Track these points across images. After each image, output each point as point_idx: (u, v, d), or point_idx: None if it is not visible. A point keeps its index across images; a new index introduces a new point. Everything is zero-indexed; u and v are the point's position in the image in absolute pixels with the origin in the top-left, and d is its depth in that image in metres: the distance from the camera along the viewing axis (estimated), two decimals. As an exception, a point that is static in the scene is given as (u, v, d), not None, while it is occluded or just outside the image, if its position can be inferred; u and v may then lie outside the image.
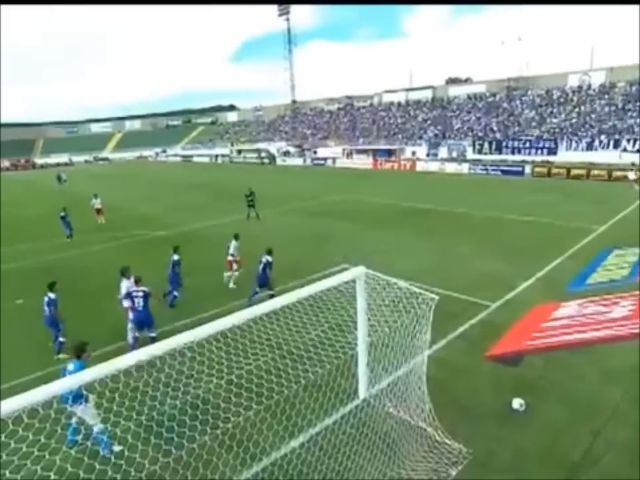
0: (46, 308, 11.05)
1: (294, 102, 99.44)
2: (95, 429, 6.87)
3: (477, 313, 12.17)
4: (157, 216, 29.55)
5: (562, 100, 56.35)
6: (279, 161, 72.21)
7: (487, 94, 65.18)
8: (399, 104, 75.79)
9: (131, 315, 10.89)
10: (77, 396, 6.59)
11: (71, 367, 6.82)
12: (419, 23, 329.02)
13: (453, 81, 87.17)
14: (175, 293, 13.46)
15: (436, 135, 61.43)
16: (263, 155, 75.94)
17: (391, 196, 32.24)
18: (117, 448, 6.89)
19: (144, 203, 35.65)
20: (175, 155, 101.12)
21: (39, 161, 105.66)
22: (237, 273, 15.02)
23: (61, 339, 11.16)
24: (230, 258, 15.15)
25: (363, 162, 59.18)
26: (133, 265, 12.01)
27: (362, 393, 8.38)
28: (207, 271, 16.08)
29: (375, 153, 60.22)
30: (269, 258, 12.93)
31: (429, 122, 66.20)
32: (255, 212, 26.62)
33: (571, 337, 10.62)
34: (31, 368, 9.98)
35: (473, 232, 21.09)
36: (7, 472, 4.86)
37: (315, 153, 70.81)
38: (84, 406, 6.77)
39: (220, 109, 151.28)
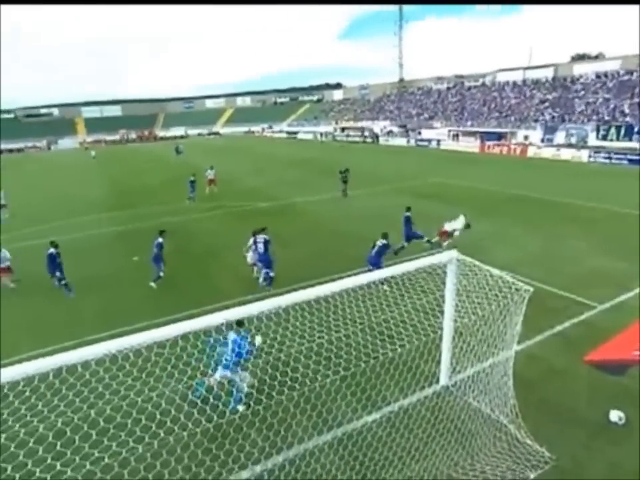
0: (154, 249, 13.92)
1: (401, 80, 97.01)
2: (244, 385, 7.47)
3: (579, 312, 11.19)
4: (260, 188, 31.18)
5: None
6: (381, 141, 71.24)
7: (622, 71, 57.74)
8: (515, 84, 70.33)
9: (254, 259, 13.59)
10: (237, 363, 7.20)
11: (232, 335, 7.32)
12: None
13: (580, 58, 78.71)
14: (405, 244, 15.36)
15: (553, 118, 56.18)
16: (366, 133, 75.45)
17: (495, 182, 30.35)
18: (241, 408, 7.38)
19: (249, 176, 37.61)
20: (280, 131, 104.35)
21: (160, 133, 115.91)
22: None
23: (160, 274, 14.02)
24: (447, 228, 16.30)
25: (470, 145, 56.17)
26: (235, 231, 12.92)
27: (442, 379, 8.22)
28: (304, 242, 16.74)
29: (483, 135, 56.79)
30: (384, 241, 13.12)
31: (546, 104, 60.65)
32: (346, 188, 27.24)
33: (692, 351, 9.33)
34: (141, 316, 11.24)
35: (585, 225, 19.19)
36: (114, 403, 5.57)
37: (420, 133, 68.69)
38: (246, 371, 7.36)
39: (327, 87, 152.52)
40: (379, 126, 79.32)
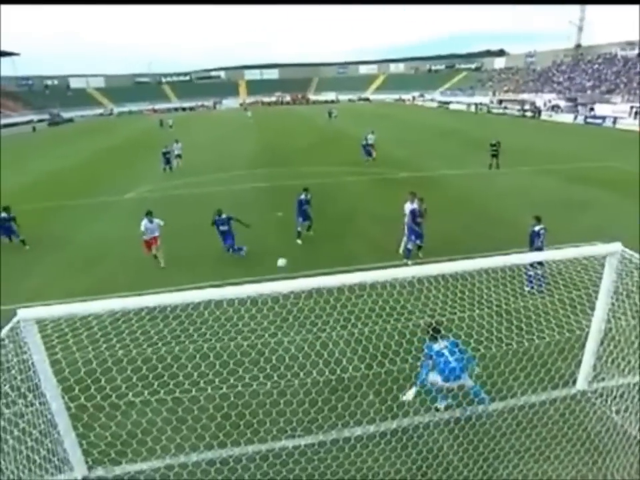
0: (296, 203, 14.92)
1: (578, 46, 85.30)
2: (476, 389, 6.90)
3: None
4: (407, 158, 31.08)
5: None
6: (544, 116, 64.21)
7: None
8: None
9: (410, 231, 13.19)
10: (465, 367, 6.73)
11: (443, 343, 6.70)
12: None
13: None
14: None
15: None
16: (527, 107, 68.75)
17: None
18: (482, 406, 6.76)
19: (397, 144, 37.34)
20: (432, 100, 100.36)
21: (312, 97, 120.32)
22: None
23: (298, 228, 14.96)
24: None
25: (656, 125, 47.59)
26: (377, 199, 12.88)
27: (580, 382, 7.42)
28: (446, 216, 16.36)
29: (678, 115, 47.55)
30: (544, 226, 11.08)
31: None
32: (497, 162, 26.07)
33: None
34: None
35: None
36: (251, 341, 6.11)
37: (592, 109, 60.12)
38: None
39: (487, 53, 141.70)
40: (542, 99, 71.45)
